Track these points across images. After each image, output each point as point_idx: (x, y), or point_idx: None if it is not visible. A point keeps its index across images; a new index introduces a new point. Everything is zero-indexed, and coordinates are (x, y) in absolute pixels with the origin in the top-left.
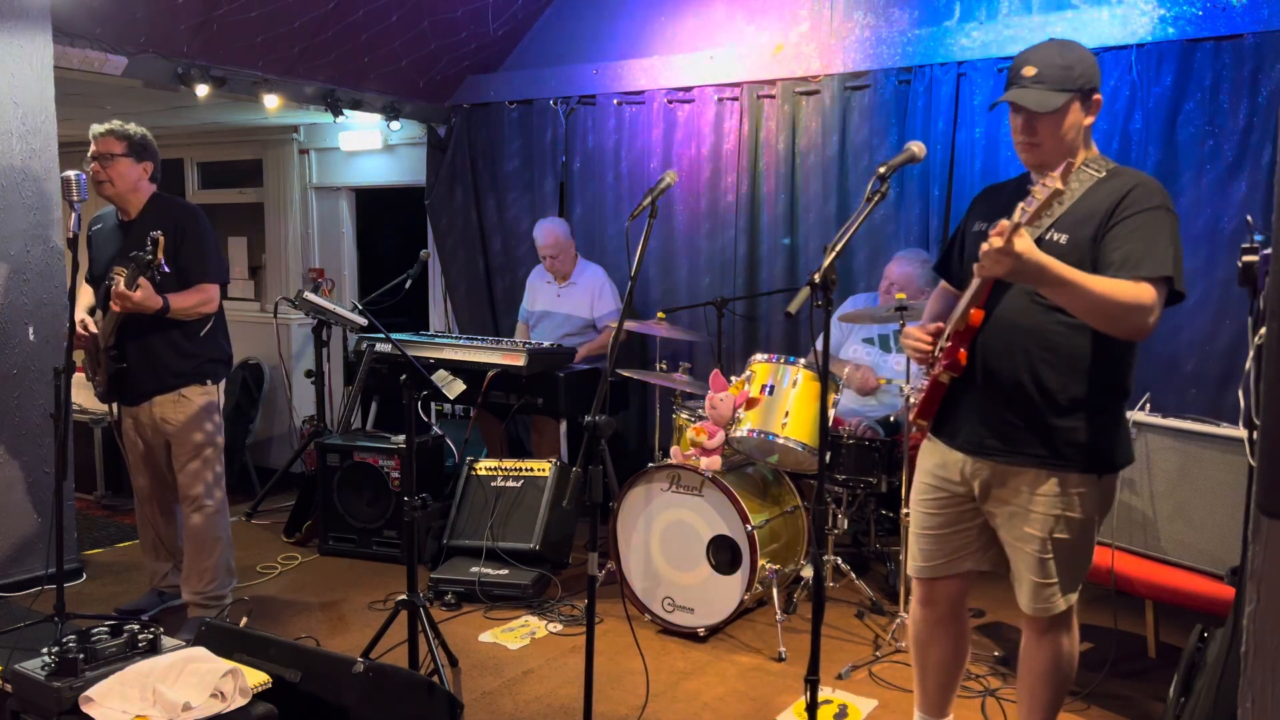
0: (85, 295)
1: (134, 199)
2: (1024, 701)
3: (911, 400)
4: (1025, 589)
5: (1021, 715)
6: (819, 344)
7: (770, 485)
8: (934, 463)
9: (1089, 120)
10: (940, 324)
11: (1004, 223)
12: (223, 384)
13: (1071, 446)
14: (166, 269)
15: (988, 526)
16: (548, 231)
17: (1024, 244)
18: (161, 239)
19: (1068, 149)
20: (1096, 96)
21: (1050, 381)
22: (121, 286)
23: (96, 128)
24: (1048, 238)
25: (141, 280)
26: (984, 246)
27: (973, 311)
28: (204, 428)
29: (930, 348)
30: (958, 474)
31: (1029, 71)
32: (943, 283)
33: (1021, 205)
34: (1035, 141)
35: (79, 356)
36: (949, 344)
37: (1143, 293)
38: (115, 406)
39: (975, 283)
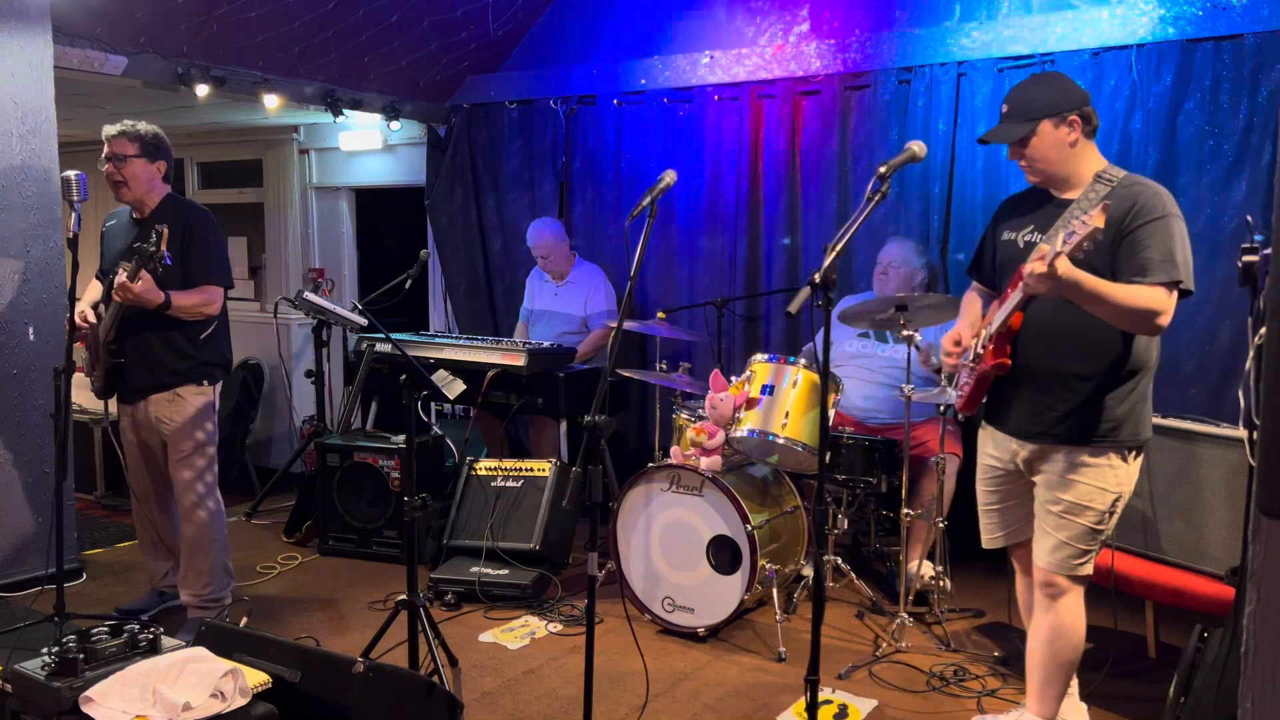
0: (93, 289)
1: (149, 199)
2: (1034, 673)
3: (914, 399)
4: (1046, 544)
5: (1031, 688)
6: (819, 341)
7: (770, 485)
8: (990, 445)
9: (1073, 136)
10: (963, 336)
11: (1044, 247)
12: (219, 387)
13: (1107, 424)
14: (169, 261)
15: None
16: (539, 233)
17: (1064, 266)
18: (166, 231)
19: (1063, 164)
20: (1073, 116)
21: (1084, 370)
22: (123, 278)
23: (109, 129)
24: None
25: (143, 273)
26: (1028, 268)
27: (1015, 315)
28: (200, 429)
29: (957, 360)
30: (1008, 454)
31: (1005, 109)
32: (975, 284)
33: (1063, 235)
34: (1026, 165)
35: (79, 353)
36: (992, 346)
37: (1157, 297)
38: (109, 404)
39: (1017, 295)
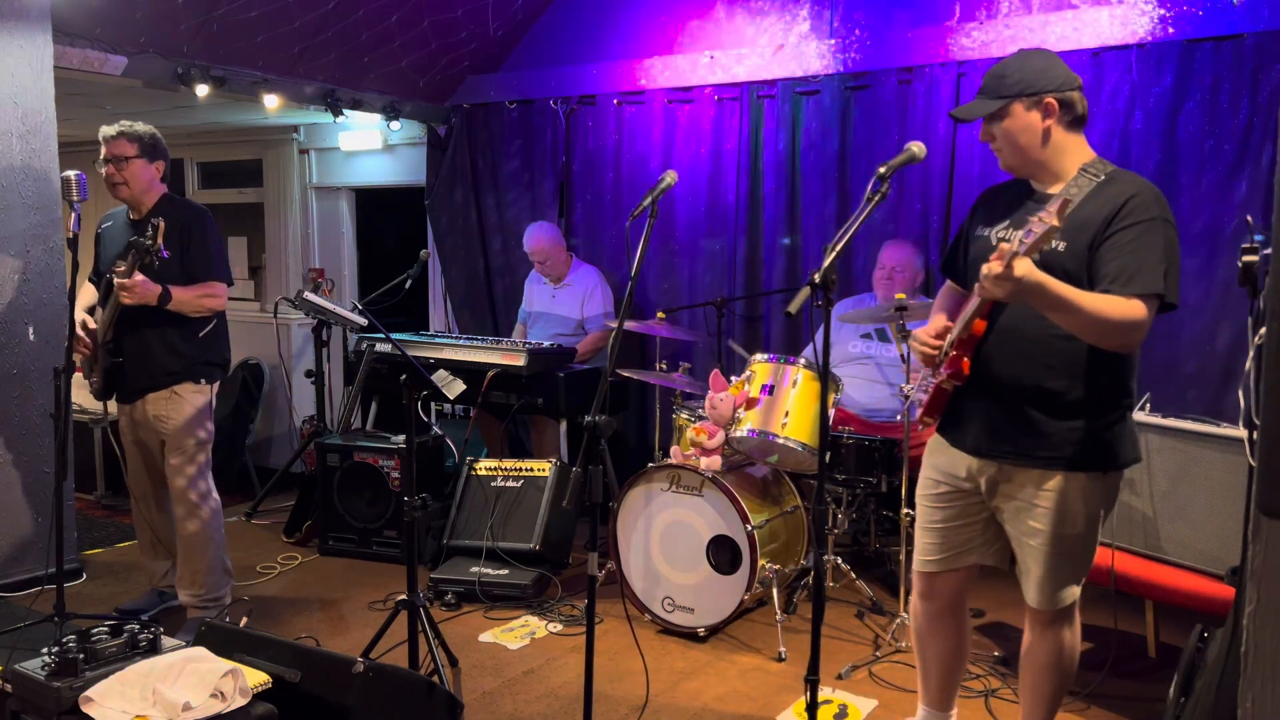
0: (87, 293)
1: (146, 199)
2: (1026, 696)
3: (911, 400)
4: (1031, 582)
5: (1024, 711)
6: (818, 341)
7: (770, 485)
8: (941, 460)
9: (1047, 123)
10: (947, 324)
11: (1005, 246)
12: (216, 386)
13: (1075, 446)
14: (166, 254)
15: (993, 521)
16: (534, 238)
17: (1023, 268)
18: (162, 224)
19: (1035, 152)
20: (1048, 100)
21: (1052, 386)
22: (121, 278)
23: (106, 130)
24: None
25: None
26: (984, 269)
27: (976, 322)
28: (201, 428)
29: (935, 351)
30: (964, 471)
31: (981, 85)
32: (949, 282)
33: (1020, 235)
34: (996, 147)
35: (78, 355)
36: (953, 352)
37: (1133, 310)
38: (108, 405)
39: (977, 299)
